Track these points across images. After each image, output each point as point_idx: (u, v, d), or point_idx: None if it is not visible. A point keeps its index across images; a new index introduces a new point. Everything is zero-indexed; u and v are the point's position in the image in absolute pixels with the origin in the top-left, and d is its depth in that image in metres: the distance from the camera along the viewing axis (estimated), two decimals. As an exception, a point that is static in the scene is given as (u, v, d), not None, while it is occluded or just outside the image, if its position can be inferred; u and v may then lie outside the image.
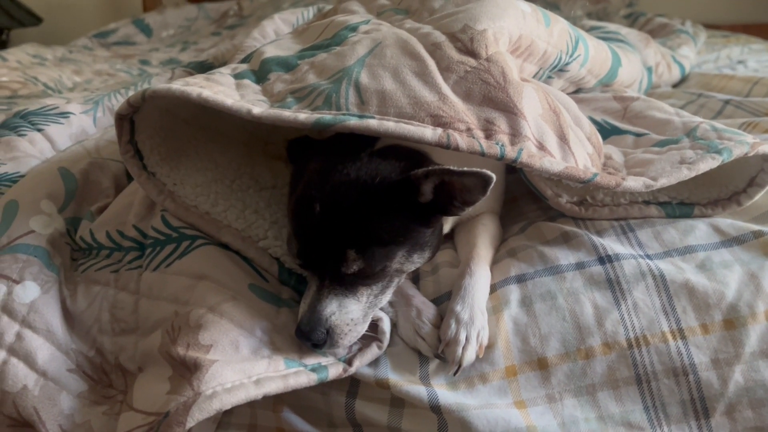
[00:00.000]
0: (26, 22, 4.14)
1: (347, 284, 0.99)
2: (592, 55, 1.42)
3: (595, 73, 1.46)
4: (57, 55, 3.17)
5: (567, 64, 1.35)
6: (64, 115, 1.54)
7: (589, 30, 1.95)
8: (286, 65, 1.15)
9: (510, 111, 1.02)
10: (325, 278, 0.99)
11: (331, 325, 0.96)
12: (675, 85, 2.24)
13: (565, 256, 1.07)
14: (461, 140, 0.97)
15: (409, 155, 1.04)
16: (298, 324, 0.97)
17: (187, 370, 0.92)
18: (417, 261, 1.04)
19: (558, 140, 1.05)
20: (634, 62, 1.70)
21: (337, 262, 0.96)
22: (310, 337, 0.96)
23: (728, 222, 1.11)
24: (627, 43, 1.83)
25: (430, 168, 0.95)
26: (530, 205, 1.31)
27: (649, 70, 2.00)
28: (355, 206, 0.96)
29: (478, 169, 0.92)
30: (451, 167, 0.93)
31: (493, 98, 1.03)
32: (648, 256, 1.06)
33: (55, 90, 2.39)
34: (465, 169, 0.92)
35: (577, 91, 1.55)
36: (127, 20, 3.86)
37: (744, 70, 2.48)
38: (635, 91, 1.63)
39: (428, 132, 0.96)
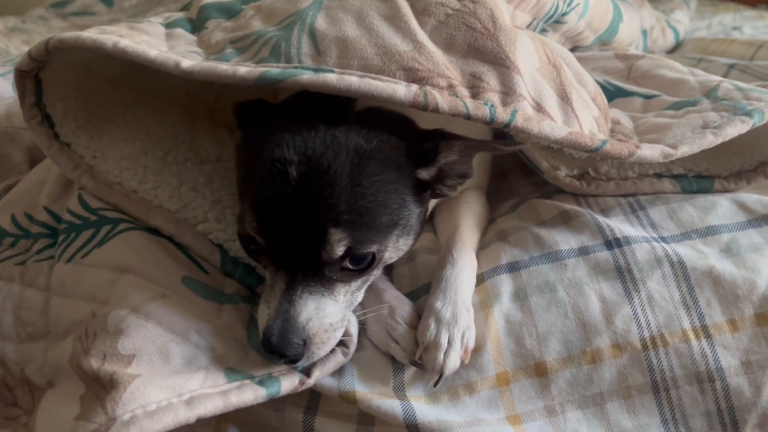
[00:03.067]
0: (-19, -8, 3.92)
1: (324, 281, 0.84)
2: (593, 6, 1.30)
3: (594, 27, 1.34)
4: (8, 25, 3.08)
5: (564, 14, 1.22)
6: None
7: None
8: (228, 11, 1.00)
9: (501, 63, 0.89)
10: (296, 273, 0.83)
11: (309, 333, 0.81)
12: (669, 52, 2.17)
13: (565, 240, 0.98)
14: (441, 100, 0.83)
15: (397, 121, 0.90)
16: (264, 335, 0.82)
17: (101, 388, 0.78)
18: (402, 248, 0.92)
19: (559, 100, 0.93)
20: (634, 19, 1.59)
21: (317, 246, 0.80)
22: (286, 351, 0.80)
23: (755, 198, 1.02)
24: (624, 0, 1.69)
25: (469, 141, 0.86)
26: (522, 179, 1.22)
27: (644, 33, 1.92)
28: (346, 173, 0.80)
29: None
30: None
31: (480, 48, 0.90)
32: (663, 239, 0.98)
33: (-1, 60, 2.22)
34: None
35: (572, 50, 1.42)
36: (87, -12, 3.66)
37: (740, 35, 2.42)
38: (636, 51, 1.49)
39: (401, 89, 0.82)
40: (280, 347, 0.80)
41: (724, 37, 2.34)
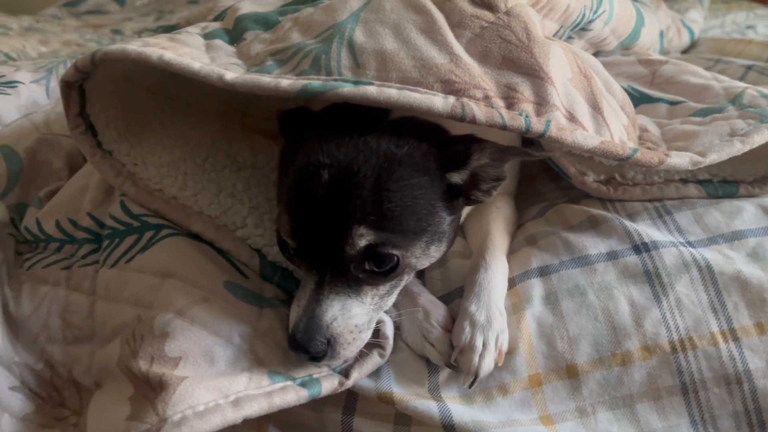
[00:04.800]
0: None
1: (351, 282, 0.85)
2: (617, 13, 1.29)
3: (618, 33, 1.33)
4: (23, 25, 3.04)
5: (590, 21, 1.21)
6: (12, 84, 1.40)
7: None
8: (266, 22, 1.01)
9: (535, 75, 0.89)
10: (325, 273, 0.85)
11: (333, 333, 0.83)
12: (684, 51, 2.13)
13: (594, 245, 0.98)
14: (478, 111, 0.83)
15: (430, 129, 0.91)
16: (291, 332, 0.84)
17: (150, 390, 0.79)
18: (434, 255, 0.91)
19: (590, 110, 0.93)
20: (654, 23, 1.57)
21: (341, 243, 0.82)
22: (308, 348, 0.82)
23: (779, 202, 1.01)
24: (642, 2, 1.68)
25: (501, 146, 0.86)
26: (548, 184, 1.21)
27: (660, 34, 1.86)
28: (374, 177, 0.82)
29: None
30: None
31: (515, 59, 0.90)
32: (690, 244, 0.98)
33: (18, 60, 2.22)
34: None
35: (594, 55, 1.39)
36: (99, -13, 3.66)
37: (754, 35, 2.39)
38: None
39: (438, 101, 0.83)
40: (304, 344, 0.82)
41: (739, 36, 2.31)
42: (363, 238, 0.81)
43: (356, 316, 0.85)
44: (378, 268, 0.84)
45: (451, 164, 0.87)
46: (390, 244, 0.83)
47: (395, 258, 0.84)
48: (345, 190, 0.81)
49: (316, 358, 0.83)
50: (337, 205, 0.82)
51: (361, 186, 0.81)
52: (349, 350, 0.84)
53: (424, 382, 0.88)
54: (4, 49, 2.25)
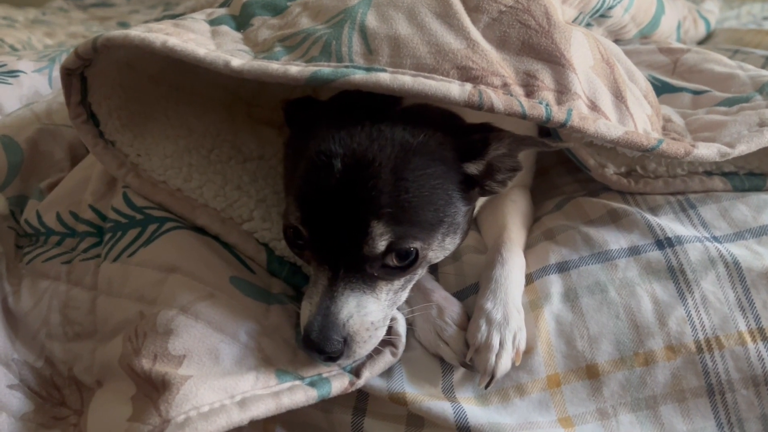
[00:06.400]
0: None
1: (366, 277, 0.82)
2: None
3: (638, 21, 1.31)
4: (29, 17, 3.06)
5: (610, 8, 1.19)
6: (13, 73, 1.39)
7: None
8: (274, 7, 0.98)
9: (555, 61, 0.86)
10: (338, 268, 0.82)
11: (350, 331, 0.80)
12: (700, 42, 2.11)
13: (615, 239, 0.95)
14: (496, 99, 0.80)
15: (444, 117, 0.88)
16: (304, 331, 0.81)
17: (153, 389, 0.77)
18: (448, 247, 0.88)
19: (613, 98, 0.90)
20: (673, 11, 1.54)
21: (358, 240, 0.79)
22: (325, 348, 0.79)
23: (808, 196, 0.98)
24: (660, -11, 1.65)
25: (519, 136, 0.84)
26: (565, 176, 1.19)
27: (678, 24, 1.82)
28: (390, 166, 0.79)
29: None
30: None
31: (534, 45, 0.87)
32: (716, 239, 0.95)
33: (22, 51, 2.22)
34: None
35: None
36: (106, -21, 3.66)
37: None
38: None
39: (455, 88, 0.80)
40: (320, 344, 0.79)
41: (754, 26, 2.30)
42: (383, 238, 0.78)
43: (372, 312, 0.82)
44: (399, 263, 0.81)
45: (468, 154, 0.84)
46: (409, 237, 0.80)
47: (414, 251, 0.81)
48: (360, 181, 0.78)
49: (331, 358, 0.80)
50: (352, 196, 0.78)
51: (377, 176, 0.78)
52: (364, 349, 0.82)
53: (438, 382, 0.86)
54: (9, 41, 2.26)
